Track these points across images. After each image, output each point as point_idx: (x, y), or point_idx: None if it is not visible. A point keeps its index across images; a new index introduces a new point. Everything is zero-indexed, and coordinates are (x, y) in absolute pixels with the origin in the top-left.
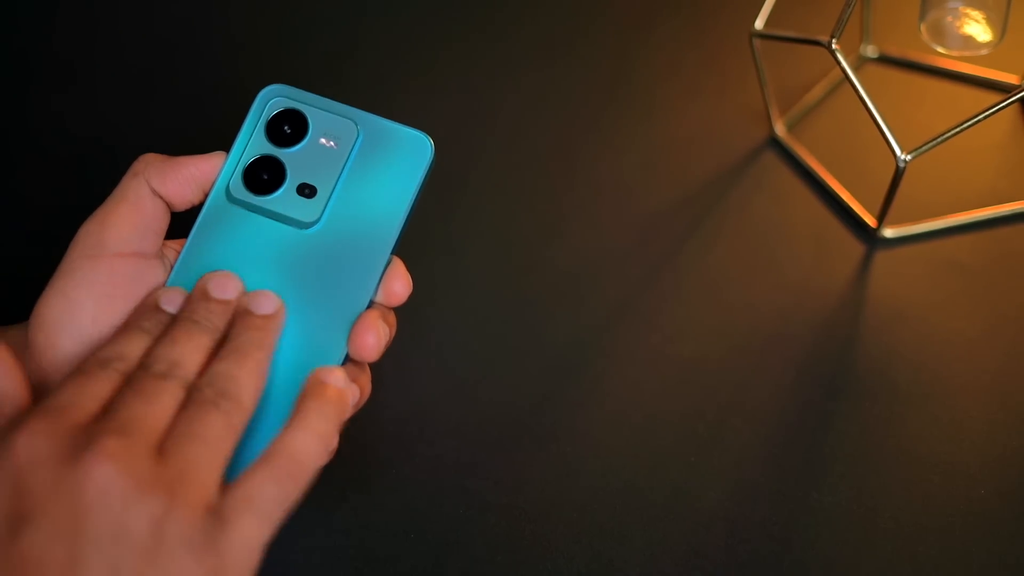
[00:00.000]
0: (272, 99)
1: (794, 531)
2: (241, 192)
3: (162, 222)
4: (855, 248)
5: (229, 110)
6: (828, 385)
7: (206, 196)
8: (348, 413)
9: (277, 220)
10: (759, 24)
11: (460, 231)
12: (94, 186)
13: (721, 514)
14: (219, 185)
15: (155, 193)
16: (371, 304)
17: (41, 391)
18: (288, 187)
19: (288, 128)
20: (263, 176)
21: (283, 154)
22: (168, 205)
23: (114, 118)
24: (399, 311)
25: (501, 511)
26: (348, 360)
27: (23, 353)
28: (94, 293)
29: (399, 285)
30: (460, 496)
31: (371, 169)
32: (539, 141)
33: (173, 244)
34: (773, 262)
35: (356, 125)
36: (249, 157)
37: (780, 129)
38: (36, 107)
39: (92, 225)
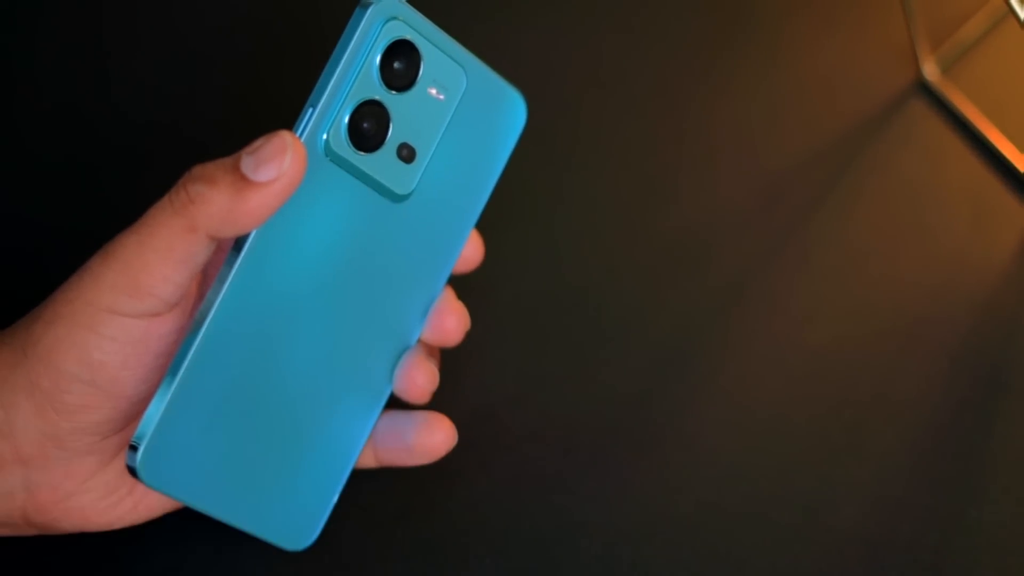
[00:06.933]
0: (389, 20)
1: (948, 556)
2: (342, 145)
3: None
4: (1021, 214)
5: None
6: (989, 379)
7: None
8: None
9: (368, 185)
10: None
11: (547, 195)
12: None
13: (859, 536)
14: (309, 131)
15: (214, 241)
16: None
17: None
18: (389, 145)
19: (399, 65)
20: (366, 127)
21: (391, 100)
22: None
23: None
24: (474, 286)
25: (595, 532)
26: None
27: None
28: (123, 352)
29: (451, 320)
30: (545, 514)
31: (466, 133)
32: (643, 86)
33: None
34: (922, 231)
35: (465, 73)
36: (357, 99)
37: (931, 71)
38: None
39: (120, 279)
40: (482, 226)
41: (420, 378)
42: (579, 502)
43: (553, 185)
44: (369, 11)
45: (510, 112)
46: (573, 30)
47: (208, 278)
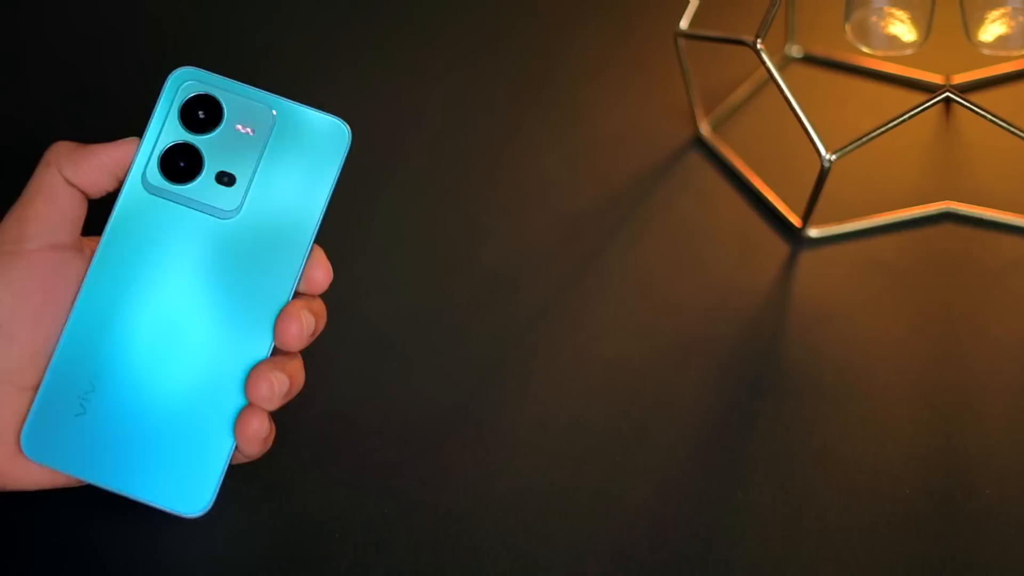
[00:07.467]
0: (184, 82)
1: (718, 530)
2: (158, 180)
3: (78, 211)
4: (780, 248)
5: (149, 100)
6: (753, 385)
7: (120, 184)
8: (280, 402)
9: (196, 209)
10: (684, 24)
11: (384, 230)
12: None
13: (645, 513)
14: (135, 173)
15: (68, 183)
16: (295, 294)
17: None
18: (206, 175)
19: (202, 113)
20: (179, 163)
21: (199, 140)
22: (83, 194)
23: (37, 111)
24: (328, 305)
25: (426, 511)
26: (275, 351)
27: None
28: (13, 289)
29: (320, 273)
30: (385, 496)
31: (290, 156)
32: (463, 140)
33: (91, 241)
34: (698, 261)
35: (272, 111)
36: (164, 144)
37: (705, 129)
38: None
39: (9, 221)
40: (334, 256)
41: (264, 387)
42: (412, 486)
43: (392, 222)
44: (170, 79)
45: (332, 137)
46: (404, 92)
47: None
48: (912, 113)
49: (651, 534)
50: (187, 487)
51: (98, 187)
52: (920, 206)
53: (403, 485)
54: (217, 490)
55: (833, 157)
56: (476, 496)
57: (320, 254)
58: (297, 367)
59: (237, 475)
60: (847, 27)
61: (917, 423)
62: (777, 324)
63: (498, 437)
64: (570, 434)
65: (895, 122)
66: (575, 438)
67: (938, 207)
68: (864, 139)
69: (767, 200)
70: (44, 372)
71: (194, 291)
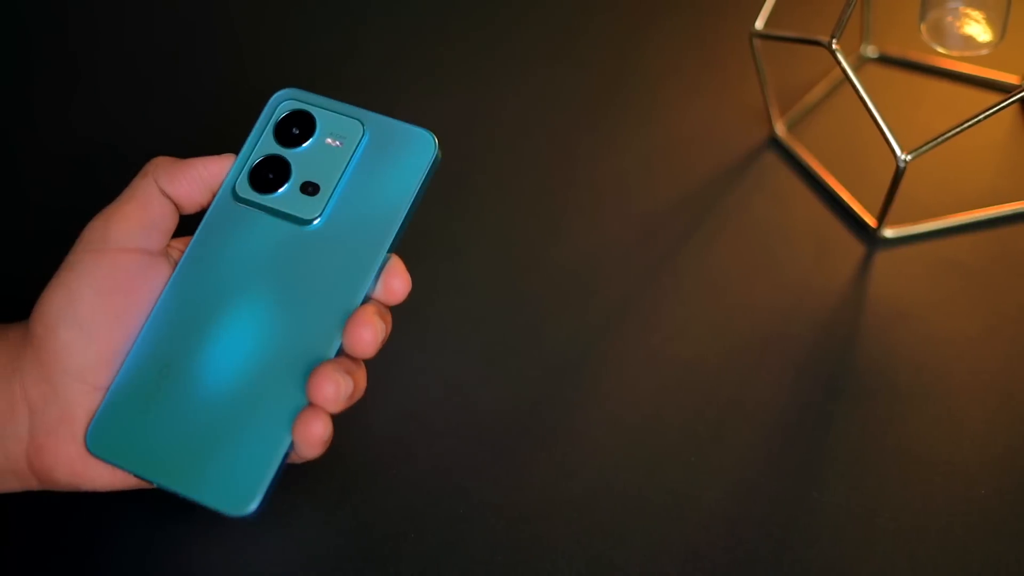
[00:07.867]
0: (283, 102)
1: (793, 530)
2: (247, 191)
3: (169, 222)
4: (855, 248)
5: (233, 112)
6: (828, 385)
7: (215, 197)
8: (343, 405)
9: (280, 218)
10: (759, 24)
11: (461, 231)
12: (99, 188)
13: (720, 514)
14: (226, 185)
15: (163, 193)
16: (368, 300)
17: (40, 382)
18: (292, 185)
19: (296, 129)
20: (268, 175)
21: (289, 154)
22: (177, 206)
23: (120, 121)
24: (399, 311)
25: (500, 511)
26: (342, 354)
27: (22, 348)
28: (95, 286)
29: (398, 283)
30: (459, 497)
31: (375, 167)
32: (540, 141)
33: (179, 244)
34: (773, 262)
35: (362, 124)
36: (256, 157)
37: (780, 129)
38: (41, 109)
39: (98, 221)
40: (413, 257)
41: (329, 388)
42: (487, 487)
43: (468, 223)
44: (271, 99)
45: (418, 148)
46: (482, 95)
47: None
48: (987, 113)
49: (726, 534)
50: (238, 488)
51: (192, 199)
52: (995, 206)
53: (477, 486)
54: (265, 492)
55: (908, 157)
56: (550, 497)
57: (399, 264)
58: (362, 374)
59: (311, 475)
60: (922, 27)
61: (993, 423)
62: (852, 324)
63: (572, 438)
64: (645, 434)
65: (970, 122)
66: (649, 438)
67: (1013, 207)
68: (939, 139)
69: (842, 200)
70: (119, 372)
71: (267, 294)
